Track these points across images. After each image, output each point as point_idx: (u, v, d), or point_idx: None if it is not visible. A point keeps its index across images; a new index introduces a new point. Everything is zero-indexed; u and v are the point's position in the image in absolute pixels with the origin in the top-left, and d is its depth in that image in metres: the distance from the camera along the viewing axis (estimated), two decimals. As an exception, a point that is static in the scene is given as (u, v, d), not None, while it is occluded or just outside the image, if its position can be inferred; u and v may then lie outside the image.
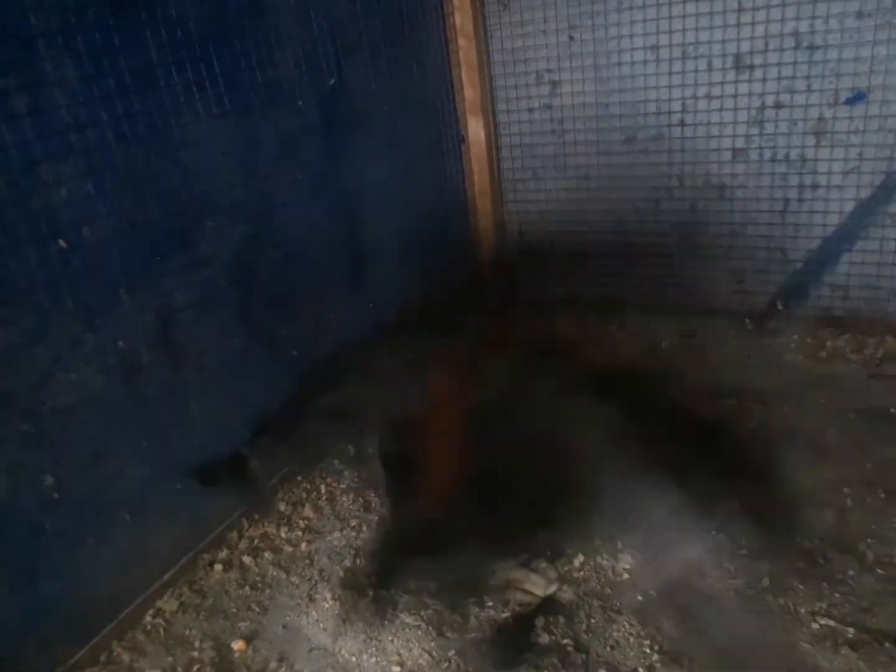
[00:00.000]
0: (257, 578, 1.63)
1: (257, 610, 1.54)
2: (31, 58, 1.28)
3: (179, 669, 1.42)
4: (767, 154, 2.25)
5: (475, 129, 2.61)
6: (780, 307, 2.38)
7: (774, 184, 2.28)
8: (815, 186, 2.21)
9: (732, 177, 2.33)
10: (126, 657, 1.45)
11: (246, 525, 1.79)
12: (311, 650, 1.42)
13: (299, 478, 1.94)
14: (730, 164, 2.32)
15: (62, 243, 1.37)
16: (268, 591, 1.59)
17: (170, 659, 1.44)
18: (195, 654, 1.45)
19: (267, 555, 1.69)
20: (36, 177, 1.31)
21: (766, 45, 2.14)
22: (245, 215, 1.74)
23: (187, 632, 1.51)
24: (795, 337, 2.31)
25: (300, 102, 1.86)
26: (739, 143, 2.28)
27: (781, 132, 2.21)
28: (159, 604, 1.57)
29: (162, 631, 1.51)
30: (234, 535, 1.76)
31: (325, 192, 1.98)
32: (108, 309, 1.45)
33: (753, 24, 2.14)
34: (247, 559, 1.68)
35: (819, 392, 2.01)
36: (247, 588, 1.60)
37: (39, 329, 1.33)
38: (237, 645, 1.46)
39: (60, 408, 1.38)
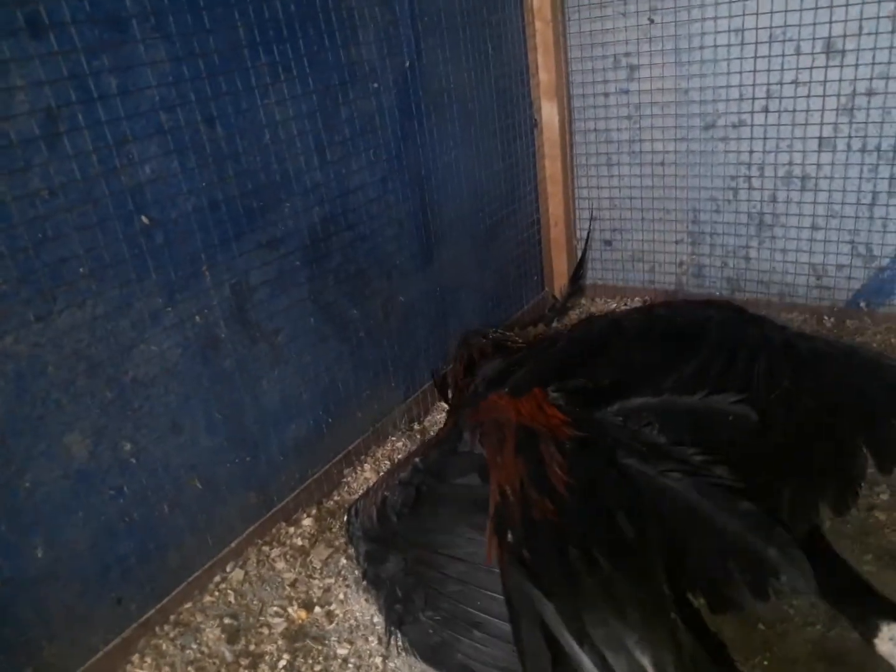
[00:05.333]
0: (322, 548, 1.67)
1: (320, 579, 1.59)
2: (125, 39, 1.32)
3: (245, 634, 1.47)
4: (857, 144, 2.15)
5: (549, 114, 2.57)
6: (862, 305, 2.28)
7: (863, 175, 2.17)
8: (907, 179, 2.11)
9: (817, 167, 2.23)
10: (194, 619, 1.52)
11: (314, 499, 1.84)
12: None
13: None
14: (815, 154, 2.22)
15: (146, 219, 1.42)
16: (332, 561, 1.63)
17: (235, 623, 1.50)
18: (262, 618, 1.51)
19: (328, 533, 1.73)
20: (124, 154, 1.36)
21: (860, 28, 2.04)
22: (320, 196, 1.77)
23: (253, 599, 1.56)
24: (878, 336, 2.21)
25: (377, 84, 1.87)
26: (827, 132, 2.18)
27: (873, 121, 2.11)
28: (227, 570, 1.63)
29: (230, 596, 1.57)
30: (301, 510, 1.80)
31: (398, 175, 1.99)
32: (187, 284, 1.50)
33: (847, 5, 2.03)
34: (311, 528, 1.73)
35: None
36: (312, 557, 1.65)
37: (124, 302, 1.39)
38: (298, 613, 1.51)
39: (141, 378, 1.43)
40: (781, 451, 1.17)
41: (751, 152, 2.33)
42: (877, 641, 1.05)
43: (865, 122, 2.11)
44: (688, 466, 1.06)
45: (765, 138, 2.29)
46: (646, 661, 0.87)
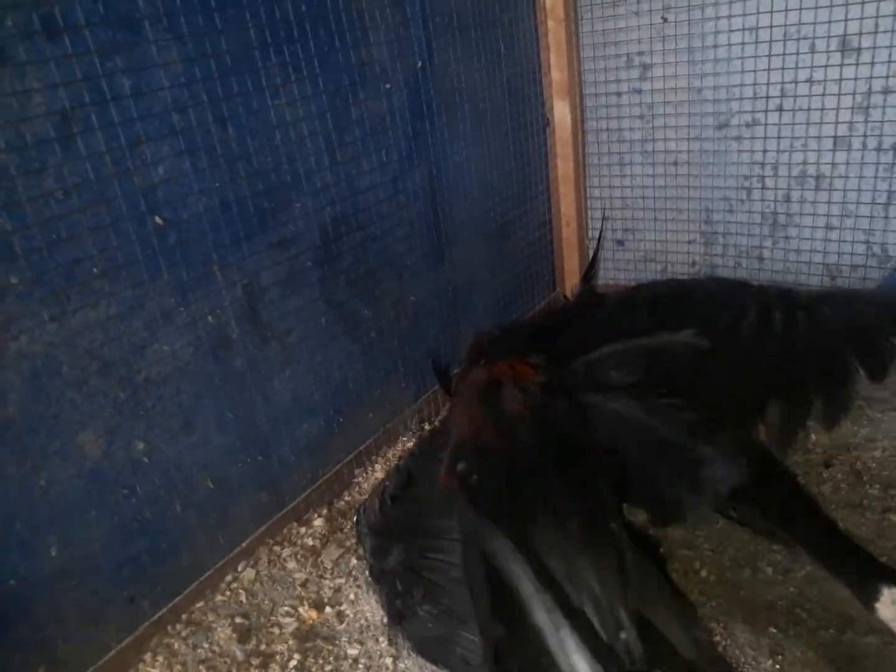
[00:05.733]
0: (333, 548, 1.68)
1: (330, 579, 1.59)
2: (137, 40, 1.33)
3: (256, 633, 1.48)
4: (872, 143, 2.13)
5: (561, 113, 2.56)
6: (877, 306, 2.26)
7: (878, 175, 2.15)
8: (924, 179, 2.08)
9: (832, 167, 2.21)
10: (205, 618, 1.52)
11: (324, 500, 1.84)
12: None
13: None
14: (830, 153, 2.20)
15: (158, 220, 1.43)
16: (343, 561, 1.64)
17: (246, 622, 1.51)
18: (273, 618, 1.51)
19: (339, 533, 1.73)
20: (137, 155, 1.36)
21: (876, 26, 2.01)
22: (331, 197, 1.77)
23: (264, 599, 1.57)
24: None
25: (388, 85, 1.87)
26: (842, 131, 2.16)
27: (889, 119, 2.08)
28: (239, 569, 1.63)
29: (241, 596, 1.57)
30: (312, 510, 1.81)
31: (409, 175, 1.99)
32: (199, 284, 1.51)
33: (863, 3, 2.01)
34: (322, 529, 1.74)
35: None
36: (323, 557, 1.66)
37: (136, 302, 1.40)
38: (309, 613, 1.52)
39: (154, 377, 1.44)
40: (771, 371, 1.20)
41: (764, 151, 2.31)
42: (878, 606, 1.04)
43: (881, 121, 2.09)
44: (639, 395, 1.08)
45: (779, 137, 2.27)
46: (587, 569, 0.88)
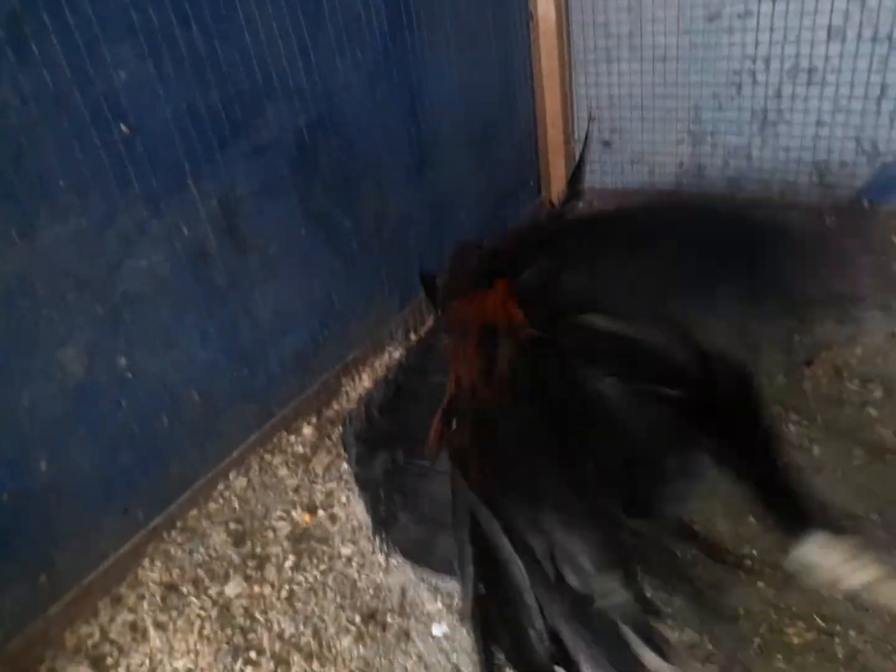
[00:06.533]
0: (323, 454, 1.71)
1: (322, 484, 1.63)
2: (88, -70, 1.24)
3: (251, 537, 1.52)
4: (868, 33, 2.04)
5: (544, 6, 2.43)
6: (864, 204, 2.24)
7: (872, 67, 2.07)
8: (919, 70, 2.02)
9: (825, 59, 2.13)
10: (200, 525, 1.57)
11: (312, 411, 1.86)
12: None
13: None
14: (823, 45, 2.12)
15: (125, 128, 1.37)
16: (333, 467, 1.67)
17: (240, 528, 1.55)
18: (266, 522, 1.56)
19: (328, 440, 1.76)
20: (96, 60, 1.29)
21: None
22: (306, 100, 1.70)
23: (257, 505, 1.61)
24: (879, 236, 2.18)
25: (361, -23, 1.76)
26: (837, 20, 2.07)
27: (886, 6, 1.99)
28: (230, 478, 1.67)
29: (234, 502, 1.62)
30: (301, 419, 1.83)
31: (387, 75, 1.91)
32: (172, 196, 1.46)
33: None
34: (311, 436, 1.77)
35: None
36: (313, 464, 1.69)
37: (108, 215, 1.36)
38: (302, 517, 1.56)
39: (132, 293, 1.42)
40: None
41: (756, 44, 2.22)
42: (804, 549, 1.08)
43: (878, 9, 2.00)
44: (626, 368, 1.08)
45: (771, 29, 2.17)
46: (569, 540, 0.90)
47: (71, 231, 1.31)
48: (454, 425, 1.13)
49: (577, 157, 2.68)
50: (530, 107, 2.58)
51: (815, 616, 1.13)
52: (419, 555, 1.32)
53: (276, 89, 1.62)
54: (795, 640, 1.13)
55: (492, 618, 0.97)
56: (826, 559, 1.04)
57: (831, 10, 2.07)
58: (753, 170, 2.40)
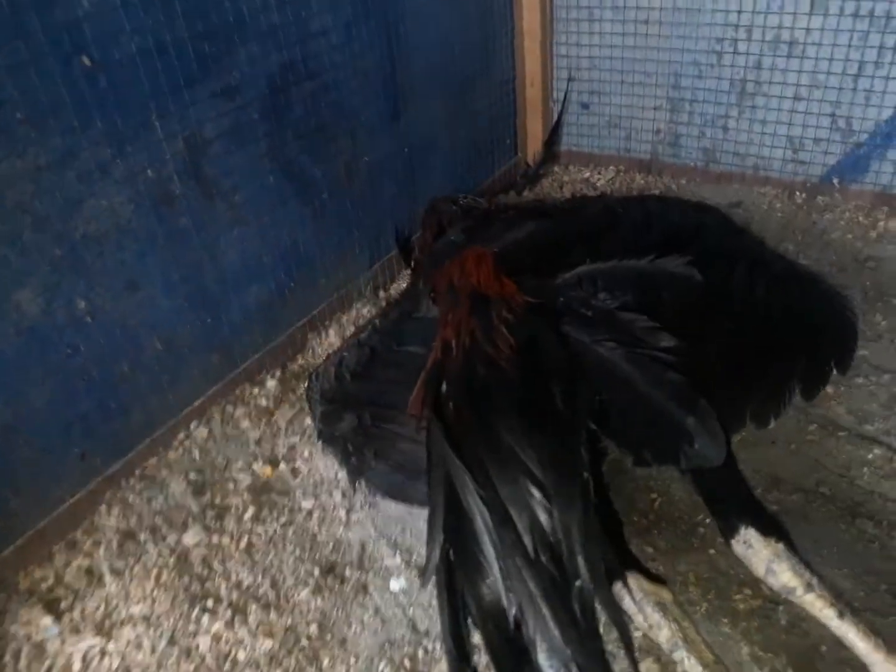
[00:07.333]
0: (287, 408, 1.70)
1: (284, 437, 1.63)
2: None
3: (211, 488, 1.51)
4: (850, 7, 2.04)
5: (529, -41, 2.38)
6: (835, 182, 2.26)
7: (852, 43, 2.07)
8: (897, 49, 2.02)
9: (806, 32, 2.12)
10: (159, 473, 1.55)
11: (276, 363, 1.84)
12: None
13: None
14: (805, 17, 2.11)
15: (86, 60, 1.30)
16: (296, 421, 1.67)
17: (200, 478, 1.54)
18: (227, 474, 1.55)
19: (292, 394, 1.75)
20: (57, -17, 1.22)
21: None
22: (279, 41, 1.63)
23: (218, 456, 1.59)
24: (847, 214, 2.21)
25: (341, -86, 1.69)
26: (821, -8, 2.06)
27: (869, -17, 1.99)
28: (191, 428, 1.65)
29: (195, 452, 1.60)
30: (265, 371, 1.81)
31: (364, 20, 1.85)
32: (137, 135, 1.41)
33: None
34: (275, 390, 1.75)
35: (860, 274, 1.94)
36: (276, 417, 1.68)
37: (68, 152, 1.30)
38: (263, 469, 1.55)
39: (93, 234, 1.37)
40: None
41: (739, 12, 2.19)
42: (733, 542, 1.12)
43: (862, -16, 1.99)
44: (627, 336, 1.08)
45: (755, -3, 2.15)
46: (553, 517, 0.91)
47: (29, 166, 1.25)
48: (444, 388, 1.12)
49: (555, 118, 2.65)
50: (510, 63, 2.53)
51: (761, 584, 1.17)
52: (401, 495, 1.34)
53: (247, 27, 1.56)
54: (741, 606, 1.17)
55: (456, 580, 0.98)
56: (752, 559, 1.08)
57: (817, -19, 2.05)
58: (729, 142, 2.40)
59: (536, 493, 0.92)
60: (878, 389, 1.59)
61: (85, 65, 1.30)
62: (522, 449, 0.96)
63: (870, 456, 1.43)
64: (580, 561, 0.89)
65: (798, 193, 2.33)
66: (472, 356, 1.12)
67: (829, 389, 1.60)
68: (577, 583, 0.88)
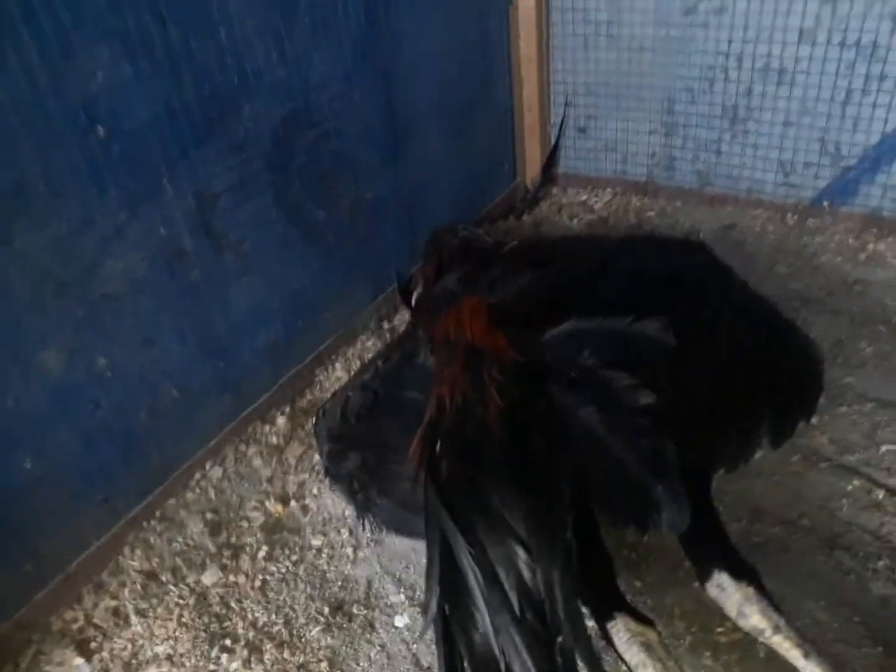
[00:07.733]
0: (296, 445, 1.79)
1: (294, 474, 1.71)
2: (62, -62, 1.23)
3: (227, 527, 1.60)
4: (837, 37, 2.09)
5: (525, -9, 2.43)
6: (826, 204, 2.31)
7: (840, 71, 2.13)
8: (883, 77, 2.07)
9: (795, 60, 2.18)
10: (178, 514, 1.64)
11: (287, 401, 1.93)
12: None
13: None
14: (794, 47, 2.16)
15: (101, 132, 1.38)
16: (306, 457, 1.75)
17: (216, 517, 1.63)
18: (241, 512, 1.63)
19: (301, 430, 1.83)
20: (73, 64, 1.30)
21: (854, -90, 1.92)
22: (282, 95, 1.71)
23: (232, 495, 1.68)
24: (837, 237, 2.26)
25: (338, -29, 1.76)
26: (808, 23, 2.11)
27: (856, 13, 2.04)
28: (206, 468, 1.73)
29: (211, 492, 1.69)
30: (275, 409, 1.89)
31: (363, 67, 1.92)
32: (149, 197, 1.49)
33: None
34: (285, 427, 1.84)
35: (849, 298, 2.00)
36: (286, 454, 1.76)
37: (86, 219, 1.38)
38: (275, 507, 1.64)
39: (111, 294, 1.46)
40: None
41: (730, 42, 2.25)
42: (707, 585, 1.18)
43: (848, 15, 2.04)
44: (607, 395, 1.15)
45: (745, 27, 2.21)
46: (536, 577, 0.98)
47: (50, 236, 1.33)
48: (437, 447, 1.18)
49: (553, 142, 2.72)
50: (508, 91, 2.59)
51: (741, 617, 1.24)
52: (406, 530, 1.43)
53: (251, 85, 1.64)
54: (723, 640, 1.25)
55: (452, 624, 1.05)
56: (724, 602, 1.15)
57: (803, 12, 2.10)
58: (722, 165, 2.45)
59: (522, 553, 1.00)
60: (860, 418, 1.65)
61: (100, 136, 1.38)
62: (509, 511, 1.04)
63: (849, 487, 1.49)
64: (562, 619, 0.96)
65: (790, 215, 2.39)
66: (464, 416, 1.19)
67: (814, 419, 1.67)
68: (559, 639, 0.96)
